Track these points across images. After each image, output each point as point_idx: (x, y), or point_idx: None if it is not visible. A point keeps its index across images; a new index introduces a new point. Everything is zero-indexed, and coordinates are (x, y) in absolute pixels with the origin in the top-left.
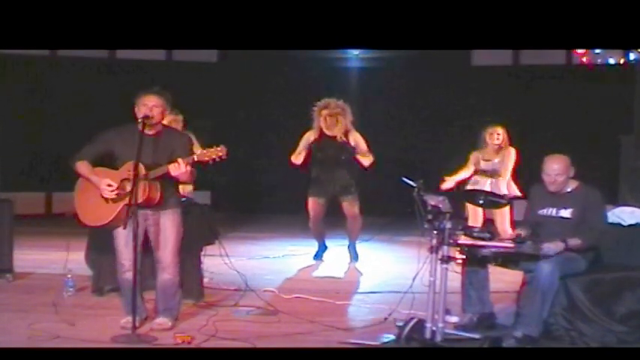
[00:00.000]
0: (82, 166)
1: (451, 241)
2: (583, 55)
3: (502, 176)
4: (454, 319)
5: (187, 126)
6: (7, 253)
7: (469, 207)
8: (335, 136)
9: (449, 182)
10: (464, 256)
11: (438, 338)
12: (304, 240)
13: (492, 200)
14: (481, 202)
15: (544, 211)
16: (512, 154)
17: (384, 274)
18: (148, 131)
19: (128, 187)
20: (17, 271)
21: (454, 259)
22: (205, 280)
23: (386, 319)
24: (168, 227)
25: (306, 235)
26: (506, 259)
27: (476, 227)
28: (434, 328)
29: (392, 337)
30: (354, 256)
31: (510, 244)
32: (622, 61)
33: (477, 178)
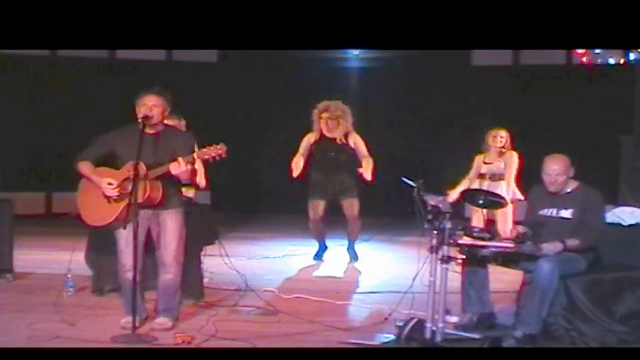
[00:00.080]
0: (84, 167)
1: (451, 241)
2: (583, 55)
3: (503, 180)
4: (454, 319)
5: (190, 130)
6: (7, 253)
7: (472, 207)
8: (335, 138)
9: (453, 194)
10: (464, 256)
11: (438, 338)
12: (304, 240)
13: (492, 200)
14: (481, 202)
15: (544, 212)
16: (514, 158)
17: (384, 274)
18: (149, 131)
19: (129, 187)
20: (17, 271)
21: (454, 259)
22: (205, 280)
23: (386, 319)
24: (170, 227)
25: (306, 235)
26: (506, 259)
27: (476, 227)
28: (434, 328)
29: (392, 337)
30: (354, 256)
31: (510, 244)
32: (622, 61)
33: (477, 181)
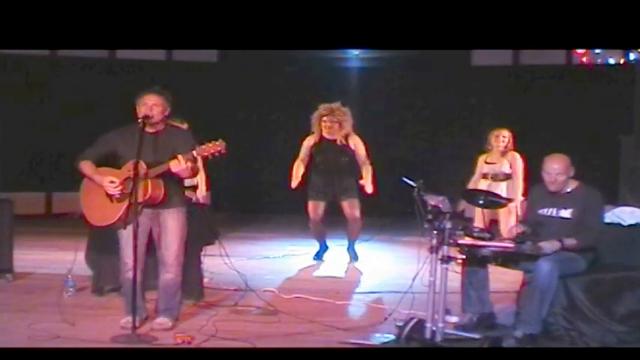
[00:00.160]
0: (86, 166)
1: (451, 241)
2: (583, 55)
3: (505, 180)
4: (454, 319)
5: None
6: (7, 253)
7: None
8: (335, 140)
9: (461, 205)
10: (464, 256)
11: (438, 338)
12: (304, 240)
13: (492, 200)
14: (481, 202)
15: (544, 211)
16: (517, 158)
17: (384, 274)
18: (149, 130)
19: (131, 186)
20: (17, 271)
21: (454, 259)
22: (205, 280)
23: (386, 319)
24: (171, 226)
25: (306, 235)
26: (506, 259)
27: (476, 227)
28: (434, 328)
29: (392, 337)
30: (354, 256)
31: (510, 244)
32: (622, 61)
33: (480, 181)
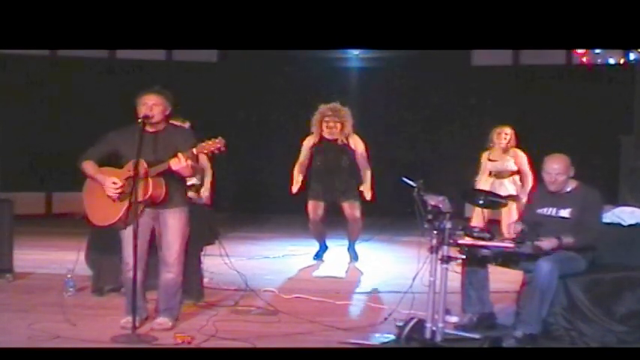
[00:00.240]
0: (88, 166)
1: (451, 241)
2: (583, 55)
3: (507, 177)
4: (454, 319)
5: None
6: (7, 253)
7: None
8: (335, 140)
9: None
10: (464, 256)
11: (438, 338)
12: (304, 240)
13: (492, 200)
14: (481, 202)
15: (544, 211)
16: (519, 155)
17: (384, 274)
18: (150, 130)
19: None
20: (17, 271)
21: (454, 259)
22: (205, 280)
23: (386, 319)
24: (173, 226)
25: (306, 235)
26: (506, 259)
27: (476, 227)
28: (434, 328)
29: (392, 337)
30: (354, 256)
31: (510, 244)
32: (622, 61)
33: (483, 178)
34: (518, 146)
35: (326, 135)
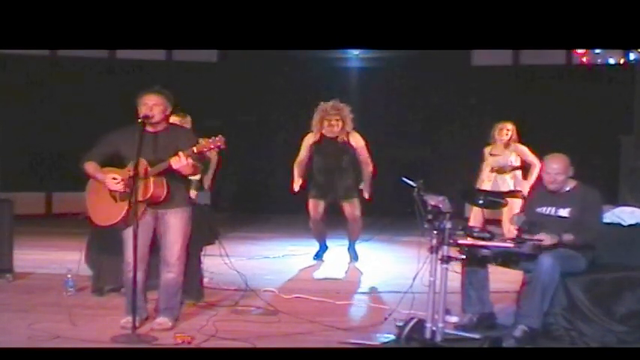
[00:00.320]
0: (90, 167)
1: (451, 241)
2: (583, 55)
3: (509, 172)
4: (454, 319)
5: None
6: (7, 253)
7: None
8: (336, 137)
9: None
10: (464, 256)
11: (438, 338)
12: (304, 240)
13: (492, 200)
14: (481, 202)
15: (543, 210)
16: (521, 148)
17: (384, 274)
18: (151, 130)
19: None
20: (17, 271)
21: (454, 259)
22: (205, 280)
23: (386, 319)
24: (175, 226)
25: (306, 235)
26: (506, 259)
27: (476, 227)
28: (434, 328)
29: (392, 337)
30: (354, 256)
31: (510, 244)
32: (622, 61)
33: (485, 173)
34: (519, 142)
35: (326, 133)
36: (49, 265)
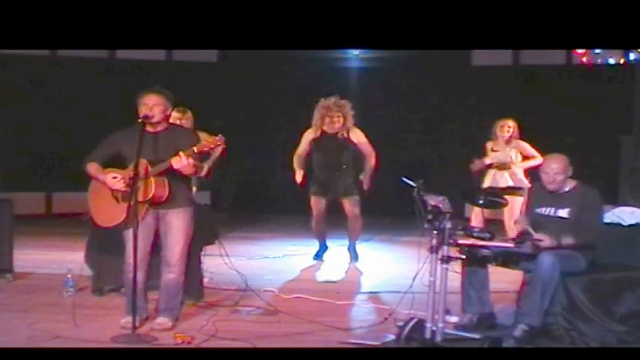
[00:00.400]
0: (92, 168)
1: (451, 241)
2: (583, 55)
3: (509, 169)
4: (454, 319)
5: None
6: (7, 253)
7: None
8: (336, 133)
9: (477, 164)
10: (464, 256)
11: (438, 338)
12: (304, 240)
13: (492, 200)
14: (481, 202)
15: (542, 210)
16: (522, 144)
17: (384, 274)
18: (151, 130)
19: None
20: (17, 271)
21: (454, 259)
22: (205, 280)
23: (386, 319)
24: (177, 226)
25: (306, 235)
26: (506, 259)
27: (476, 227)
28: (434, 328)
29: (392, 337)
30: (354, 256)
31: (510, 244)
32: (622, 61)
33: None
34: (521, 139)
35: (327, 129)
36: (49, 265)
